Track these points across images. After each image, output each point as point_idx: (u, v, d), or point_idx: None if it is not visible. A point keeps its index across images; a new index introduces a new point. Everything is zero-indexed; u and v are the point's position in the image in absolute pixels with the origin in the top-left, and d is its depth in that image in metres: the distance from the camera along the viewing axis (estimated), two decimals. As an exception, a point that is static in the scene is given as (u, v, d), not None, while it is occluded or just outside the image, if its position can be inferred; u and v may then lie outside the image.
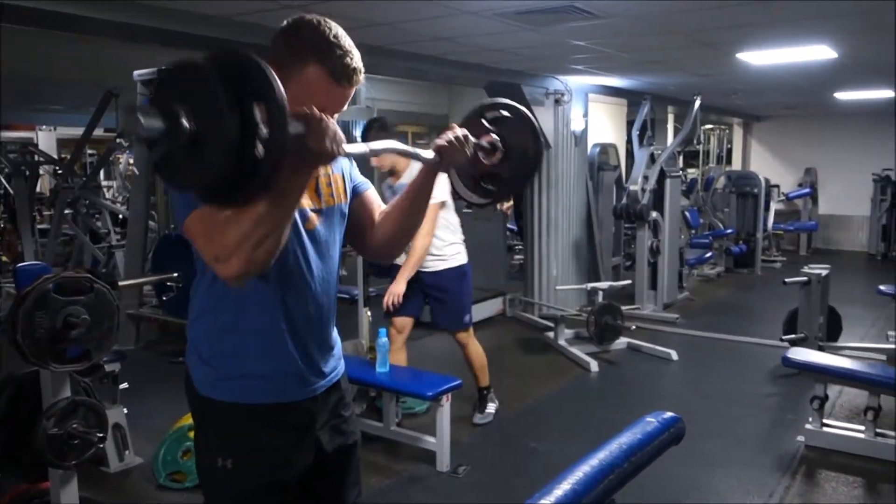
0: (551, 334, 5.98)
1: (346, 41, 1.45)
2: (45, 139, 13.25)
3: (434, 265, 3.93)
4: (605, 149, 7.93)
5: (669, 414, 1.45)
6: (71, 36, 4.17)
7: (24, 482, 2.27)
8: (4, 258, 8.71)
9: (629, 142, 7.63)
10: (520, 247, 8.70)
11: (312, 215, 1.57)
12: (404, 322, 4.04)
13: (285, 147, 1.17)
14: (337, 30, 1.46)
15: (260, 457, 1.56)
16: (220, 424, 1.58)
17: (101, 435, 2.18)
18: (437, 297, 4.00)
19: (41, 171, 9.15)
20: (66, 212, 7.64)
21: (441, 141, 1.59)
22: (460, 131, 1.60)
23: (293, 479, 1.62)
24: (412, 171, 3.67)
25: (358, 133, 11.47)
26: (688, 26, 4.43)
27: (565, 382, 5.10)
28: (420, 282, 3.91)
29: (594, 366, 5.29)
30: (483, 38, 4.57)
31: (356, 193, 1.73)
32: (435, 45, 4.86)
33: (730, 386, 5.04)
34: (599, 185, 7.78)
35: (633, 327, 5.68)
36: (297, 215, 1.51)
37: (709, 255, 8.74)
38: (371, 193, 1.77)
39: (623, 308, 5.82)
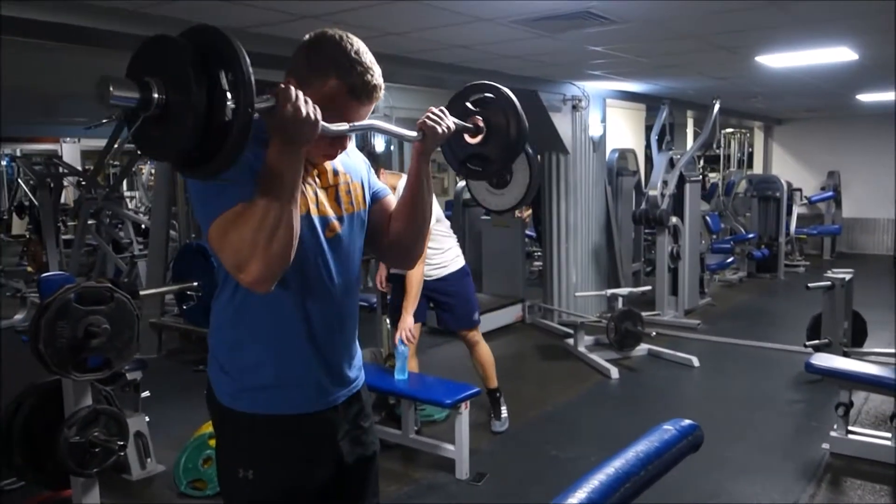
0: (571, 341, 5.95)
1: (368, 57, 1.46)
2: (70, 151, 13.45)
3: (437, 272, 3.95)
4: (624, 154, 7.90)
5: (687, 421, 1.43)
6: (92, 50, 4.24)
7: (46, 490, 2.30)
8: (30, 268, 8.84)
9: (648, 147, 7.58)
10: (539, 253, 8.67)
11: (335, 223, 1.57)
12: (414, 329, 4.06)
13: (251, 110, 1.18)
14: (359, 46, 1.46)
15: (281, 467, 1.56)
16: (240, 435, 1.58)
17: (122, 443, 2.20)
18: (444, 302, 4.02)
19: (65, 183, 9.28)
20: (90, 222, 7.74)
21: (422, 119, 1.60)
22: (437, 109, 1.62)
23: (314, 489, 1.62)
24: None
25: (375, 142, 11.55)
26: (705, 30, 4.40)
27: (586, 389, 5.07)
28: (424, 288, 3.91)
29: (615, 372, 5.26)
30: (499, 45, 4.57)
31: (375, 199, 1.73)
32: (451, 53, 4.86)
33: (753, 392, 4.99)
34: (618, 190, 7.74)
35: (654, 334, 5.64)
36: (318, 223, 1.53)
37: (730, 260, 8.66)
38: (390, 199, 1.77)
39: (643, 314, 5.78)
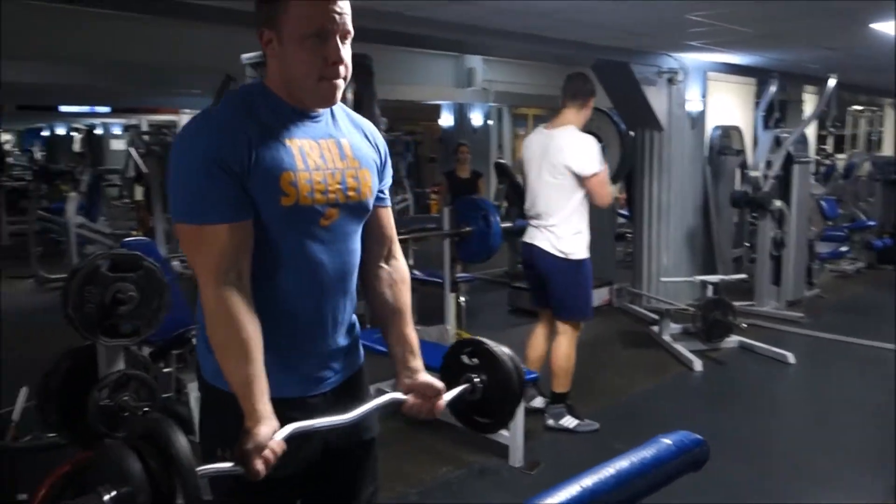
0: (657, 328, 5.66)
1: None
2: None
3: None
4: (728, 132, 7.38)
5: (690, 435, 1.25)
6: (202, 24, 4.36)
7: (82, 450, 2.37)
8: (136, 233, 9.34)
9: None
10: (630, 234, 8.32)
11: (331, 210, 1.48)
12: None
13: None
14: None
15: None
16: (221, 413, 1.53)
17: (146, 409, 2.23)
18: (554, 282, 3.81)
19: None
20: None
21: (412, 399, 1.60)
22: (430, 404, 1.59)
23: (293, 474, 1.56)
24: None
25: (472, 115, 11.41)
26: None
27: (664, 380, 4.80)
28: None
29: (698, 364, 4.95)
30: (581, 13, 4.32)
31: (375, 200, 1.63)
32: (520, 21, 4.62)
33: (853, 396, 4.54)
34: (720, 170, 7.26)
35: (744, 325, 5.25)
36: (312, 211, 1.46)
37: (844, 248, 7.97)
38: (387, 214, 1.67)
39: (739, 304, 5.40)
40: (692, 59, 6.44)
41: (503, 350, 1.65)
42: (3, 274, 8.09)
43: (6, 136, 22.53)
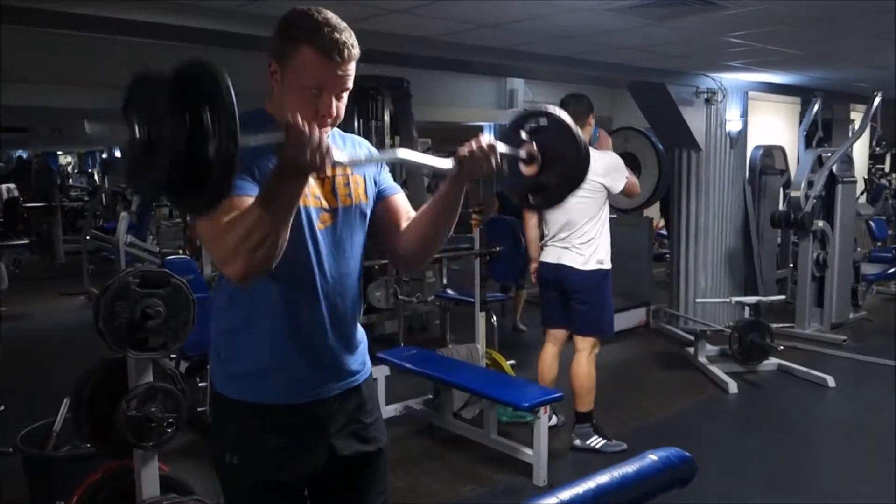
0: (692, 349, 5.59)
1: (336, 21, 1.45)
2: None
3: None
4: (770, 151, 7.29)
5: (679, 452, 1.27)
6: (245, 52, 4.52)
7: (112, 459, 2.48)
8: (184, 251, 9.60)
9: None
10: (668, 255, 8.23)
11: (325, 214, 1.56)
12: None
13: (233, 152, 1.16)
14: (327, 14, 1.46)
15: (263, 456, 1.58)
16: (229, 420, 1.61)
17: (172, 420, 2.32)
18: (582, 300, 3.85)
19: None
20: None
21: (462, 150, 1.52)
22: (485, 140, 1.51)
23: (298, 481, 1.62)
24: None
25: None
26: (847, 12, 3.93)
27: (697, 403, 4.73)
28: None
29: (733, 386, 4.87)
30: (607, 35, 4.34)
31: (381, 197, 1.70)
32: (556, 45, 4.68)
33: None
34: (762, 190, 7.16)
35: (780, 347, 5.15)
36: (308, 213, 1.53)
37: (893, 270, 7.73)
38: (398, 199, 1.73)
39: (780, 326, 5.29)
40: (732, 78, 6.38)
41: (568, 119, 1.62)
42: (57, 291, 8.45)
43: (68, 159, 23.50)
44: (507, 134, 1.66)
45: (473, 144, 1.51)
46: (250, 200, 1.39)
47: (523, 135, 1.63)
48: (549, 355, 4.00)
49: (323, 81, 1.44)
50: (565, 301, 3.86)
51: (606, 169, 3.74)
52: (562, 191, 1.67)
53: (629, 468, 1.22)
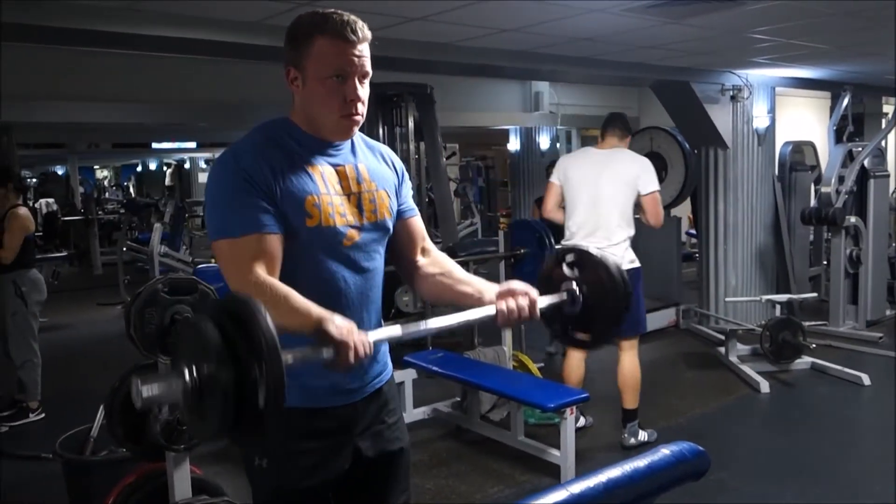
0: (723, 349, 5.53)
1: (341, 11, 1.51)
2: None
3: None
4: (800, 147, 7.19)
5: (692, 446, 1.27)
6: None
7: (145, 461, 2.55)
8: (214, 261, 9.78)
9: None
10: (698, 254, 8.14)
11: (352, 231, 1.59)
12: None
13: (281, 398, 1.16)
14: (329, 8, 1.52)
15: (291, 459, 1.61)
16: (258, 424, 1.65)
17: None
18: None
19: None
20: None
21: (501, 305, 1.51)
22: (525, 300, 1.51)
23: (326, 483, 1.65)
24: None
25: (540, 139, 11.44)
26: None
27: (728, 402, 4.68)
28: None
29: (764, 386, 4.81)
30: (628, 35, 4.34)
31: (399, 217, 1.73)
32: (578, 47, 4.69)
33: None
34: (792, 187, 7.05)
35: (813, 346, 5.07)
36: (335, 233, 1.56)
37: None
38: (415, 222, 1.76)
39: (813, 324, 5.21)
40: (758, 74, 6.31)
41: (608, 259, 1.58)
42: (95, 301, 8.67)
43: (105, 173, 24.06)
44: (550, 269, 1.64)
45: (512, 302, 1.51)
46: (274, 238, 1.45)
47: (565, 268, 1.60)
48: (576, 357, 4.00)
49: (342, 65, 1.49)
50: None
51: (638, 168, 3.79)
52: (608, 327, 1.61)
53: (641, 462, 1.23)
